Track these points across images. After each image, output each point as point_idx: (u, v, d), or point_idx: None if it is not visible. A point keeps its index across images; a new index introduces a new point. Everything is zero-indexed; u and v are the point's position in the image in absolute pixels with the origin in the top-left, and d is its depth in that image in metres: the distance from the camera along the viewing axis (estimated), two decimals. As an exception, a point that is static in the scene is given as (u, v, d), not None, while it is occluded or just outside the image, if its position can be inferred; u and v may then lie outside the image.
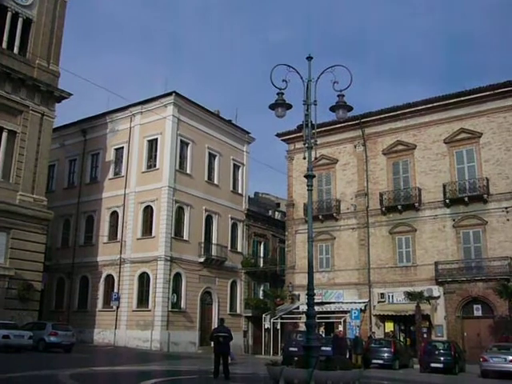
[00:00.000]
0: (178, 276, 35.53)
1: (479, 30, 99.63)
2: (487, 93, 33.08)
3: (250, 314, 40.43)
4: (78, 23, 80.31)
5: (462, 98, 33.85)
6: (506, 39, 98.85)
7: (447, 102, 34.36)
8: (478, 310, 31.58)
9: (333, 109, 14.08)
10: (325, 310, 34.15)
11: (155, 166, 36.87)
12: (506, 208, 31.53)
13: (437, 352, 25.23)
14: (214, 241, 38.66)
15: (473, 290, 31.39)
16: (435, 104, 34.79)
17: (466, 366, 26.14)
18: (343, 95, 13.81)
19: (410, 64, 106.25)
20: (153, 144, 37.39)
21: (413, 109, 35.56)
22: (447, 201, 33.19)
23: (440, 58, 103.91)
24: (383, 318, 34.11)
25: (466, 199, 32.50)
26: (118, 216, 37.54)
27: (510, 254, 30.77)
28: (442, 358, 24.78)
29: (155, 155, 37.10)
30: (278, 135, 40.87)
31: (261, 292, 42.66)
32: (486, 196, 32.03)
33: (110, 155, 39.17)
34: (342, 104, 13.89)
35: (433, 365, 24.67)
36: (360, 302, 34.44)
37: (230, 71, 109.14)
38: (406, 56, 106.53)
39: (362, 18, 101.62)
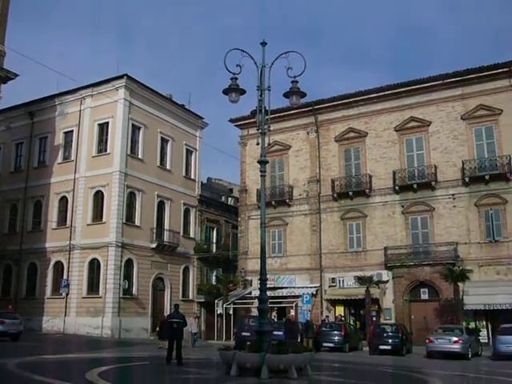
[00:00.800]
0: (129, 262, 35.16)
1: (432, 19, 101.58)
2: (437, 82, 33.85)
3: (203, 300, 40.48)
4: (25, 2, 77.59)
5: (413, 87, 34.52)
6: (456, 30, 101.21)
7: (398, 90, 34.98)
8: (424, 294, 32.55)
9: (286, 95, 14.13)
10: (277, 294, 34.46)
11: (106, 150, 36.20)
12: (453, 195, 32.47)
13: (385, 335, 25.88)
14: (167, 226, 38.40)
15: (420, 274, 32.28)
16: (387, 92, 35.36)
17: (413, 348, 26.94)
18: (297, 81, 13.87)
19: (364, 52, 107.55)
20: (104, 128, 36.66)
21: (365, 97, 36.05)
22: (397, 187, 33.91)
23: (393, 47, 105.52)
24: (334, 302, 34.73)
25: (415, 186, 33.29)
26: (67, 201, 36.76)
27: (456, 239, 31.76)
28: (390, 341, 25.44)
29: (106, 139, 36.42)
30: (232, 121, 40.74)
31: (213, 278, 42.74)
32: (433, 183, 32.88)
33: (59, 139, 38.22)
34: (296, 90, 13.95)
35: (381, 347, 25.31)
36: (311, 287, 34.94)
37: (184, 56, 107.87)
38: (360, 44, 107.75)
39: (316, 4, 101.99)
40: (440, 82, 33.78)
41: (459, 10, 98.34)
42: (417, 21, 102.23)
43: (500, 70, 32.28)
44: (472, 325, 29.27)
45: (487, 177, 31.45)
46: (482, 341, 27.68)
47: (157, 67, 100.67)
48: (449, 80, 33.52)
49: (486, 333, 29.99)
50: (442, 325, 27.23)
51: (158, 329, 27.10)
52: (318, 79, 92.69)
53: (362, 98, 36.17)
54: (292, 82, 13.90)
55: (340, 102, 36.86)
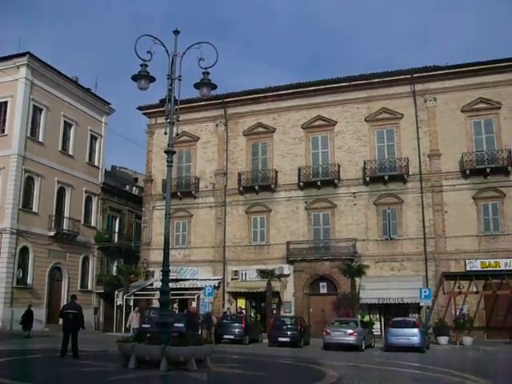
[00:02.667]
0: (24, 250, 33.52)
1: (345, 22, 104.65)
2: (343, 84, 35.00)
3: (102, 291, 39.36)
4: None
5: (321, 87, 35.48)
6: (368, 33, 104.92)
7: (307, 89, 35.81)
8: (323, 288, 33.62)
9: (197, 86, 14.01)
10: (179, 286, 34.21)
11: (3, 131, 34.24)
12: (354, 193, 33.73)
13: (284, 327, 26.42)
14: (67, 214, 36.95)
15: (320, 268, 33.27)
16: (295, 90, 36.08)
17: (311, 340, 27.69)
18: (208, 73, 13.79)
19: (279, 49, 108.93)
20: (1, 107, 34.62)
21: (274, 93, 36.57)
22: (301, 184, 34.70)
23: (305, 46, 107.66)
24: (236, 295, 35.03)
25: (319, 183, 34.24)
26: (-42, 184, 34.37)
27: (355, 236, 33.04)
28: (289, 333, 26.01)
29: (4, 119, 34.42)
30: (140, 108, 39.86)
31: (114, 268, 41.74)
32: (336, 181, 33.98)
33: (-49, 117, 35.64)
34: (207, 82, 13.87)
35: (280, 339, 25.81)
36: (214, 279, 35.02)
37: (94, 40, 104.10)
38: (275, 41, 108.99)
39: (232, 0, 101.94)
40: (346, 83, 34.94)
41: (371, 15, 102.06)
42: (331, 22, 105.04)
43: (403, 77, 33.93)
44: (367, 318, 30.61)
45: (386, 177, 32.94)
46: (375, 333, 29.03)
47: (66, 50, 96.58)
48: (355, 82, 34.74)
49: (379, 325, 31.48)
50: (339, 318, 28.22)
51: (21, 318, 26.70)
52: (231, 73, 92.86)
53: (271, 94, 36.67)
54: (203, 73, 13.81)
55: (250, 97, 37.14)
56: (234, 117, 37.69)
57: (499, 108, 32.15)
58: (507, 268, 30.02)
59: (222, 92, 35.25)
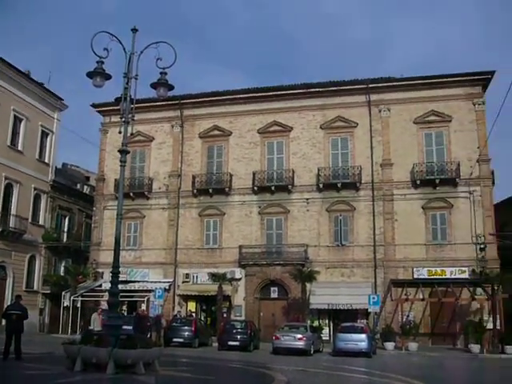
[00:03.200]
0: (-32, 248, 32.37)
1: (301, 30, 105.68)
2: (300, 91, 35.32)
3: (49, 291, 38.30)
4: None
5: (278, 93, 35.70)
6: (326, 42, 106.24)
7: (264, 94, 35.95)
8: (274, 292, 33.74)
9: (154, 86, 13.85)
10: (129, 288, 33.65)
11: (-51, 124, 33.01)
12: (307, 199, 34.04)
13: (234, 331, 26.39)
14: (14, 211, 35.85)
15: (271, 273, 33.39)
16: (253, 95, 36.17)
17: (261, 344, 27.74)
18: (165, 73, 13.65)
19: (238, 52, 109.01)
20: None
21: (231, 96, 36.57)
22: (255, 188, 34.79)
23: (264, 50, 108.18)
24: (186, 298, 34.77)
25: (273, 188, 34.40)
26: None
27: (307, 241, 33.32)
28: (238, 337, 25.99)
29: (-50, 112, 33.20)
30: (94, 106, 39.14)
31: (62, 268, 40.70)
32: (290, 187, 34.21)
33: None
34: (164, 82, 13.73)
35: (230, 343, 25.77)
36: (165, 282, 34.66)
37: (50, 33, 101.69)
38: (235, 44, 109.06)
39: (196, 3, 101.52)
40: (303, 90, 35.27)
41: (331, 24, 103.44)
42: (291, 29, 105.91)
43: (358, 86, 34.51)
44: (316, 323, 30.89)
45: (339, 184, 33.38)
46: (324, 338, 29.32)
47: (20, 41, 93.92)
48: (311, 90, 35.11)
49: (328, 330, 31.81)
50: (289, 322, 28.37)
51: None
52: (189, 75, 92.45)
53: (228, 97, 36.65)
54: (160, 73, 13.65)
55: (207, 99, 37.02)
56: (190, 118, 37.48)
57: (450, 121, 33.10)
58: (452, 276, 30.90)
59: (178, 93, 35.03)
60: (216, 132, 36.78)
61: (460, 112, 33.18)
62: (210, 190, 35.43)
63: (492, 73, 32.63)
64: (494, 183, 33.11)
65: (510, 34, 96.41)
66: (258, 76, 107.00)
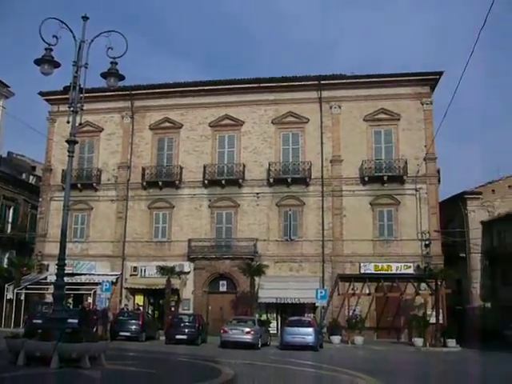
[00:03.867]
0: None
1: (258, 24, 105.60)
2: (253, 85, 35.34)
3: (-10, 284, 37.08)
4: None
5: (230, 86, 35.60)
6: (279, 39, 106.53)
7: (216, 87, 35.78)
8: (223, 286, 33.76)
9: (104, 75, 13.55)
10: (75, 281, 32.92)
11: None
12: (258, 194, 34.14)
13: (182, 324, 26.27)
14: (-46, 201, 34.52)
15: (220, 267, 33.38)
16: (205, 87, 35.95)
17: (209, 338, 27.68)
18: (116, 63, 13.37)
19: (193, 47, 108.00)
20: None
21: (183, 89, 36.24)
22: (206, 182, 34.64)
23: (218, 44, 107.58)
24: (134, 291, 34.34)
25: (223, 182, 34.34)
26: None
27: (256, 236, 33.45)
28: (186, 330, 25.89)
29: None
30: (42, 94, 38.01)
31: (6, 260, 39.47)
32: (241, 181, 34.24)
33: None
34: (114, 72, 13.44)
35: (178, 336, 25.62)
36: (112, 275, 34.10)
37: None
38: (191, 38, 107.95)
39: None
40: (255, 85, 35.30)
41: (287, 21, 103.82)
42: (245, 23, 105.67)
43: (310, 82, 34.82)
44: (264, 317, 31.09)
45: (289, 179, 33.63)
46: (272, 332, 29.55)
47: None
48: (264, 84, 35.18)
49: (276, 324, 32.06)
50: (237, 316, 28.44)
51: None
52: (141, 66, 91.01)
53: (180, 89, 36.32)
54: (111, 62, 13.36)
55: (158, 91, 36.56)
56: (140, 110, 36.92)
57: (399, 120, 33.83)
58: (398, 272, 31.66)
59: (130, 83, 34.46)
60: (167, 124, 36.39)
61: (409, 111, 33.95)
62: (160, 183, 35.05)
63: (440, 73, 33.53)
64: (439, 181, 34.07)
65: (459, 35, 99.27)
66: (211, 70, 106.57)
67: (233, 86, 35.57)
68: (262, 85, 35.26)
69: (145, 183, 35.39)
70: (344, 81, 34.74)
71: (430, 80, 34.15)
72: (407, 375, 16.25)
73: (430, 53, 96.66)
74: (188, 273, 33.67)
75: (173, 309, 32.55)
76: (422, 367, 19.76)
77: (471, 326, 40.08)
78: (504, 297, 40.78)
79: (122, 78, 13.72)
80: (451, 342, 28.07)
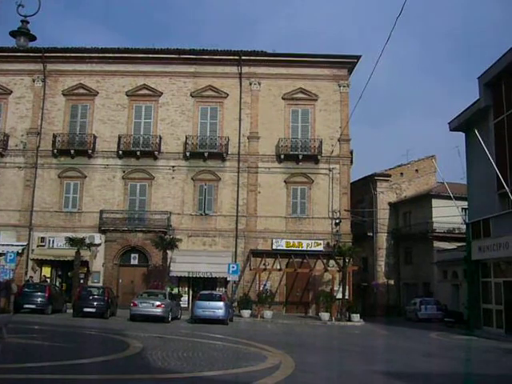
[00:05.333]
0: None
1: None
2: (173, 56, 34.64)
3: None
4: None
5: (149, 55, 34.70)
6: (201, 9, 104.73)
7: (134, 55, 34.76)
8: (134, 259, 33.29)
9: (14, 34, 12.76)
10: (-24, 251, 31.37)
11: None
12: (173, 167, 33.75)
13: (91, 297, 25.68)
14: None
15: (133, 239, 32.86)
16: (123, 55, 34.80)
17: (119, 311, 27.27)
18: (27, 22, 12.62)
19: (113, 12, 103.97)
20: None
21: (100, 54, 34.88)
22: (120, 152, 33.77)
23: (140, 11, 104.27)
24: (41, 263, 33.11)
25: (139, 153, 33.64)
26: None
27: (170, 209, 33.16)
28: (95, 303, 25.34)
29: None
30: None
31: None
32: (157, 153, 33.67)
33: None
34: (25, 31, 12.69)
35: (86, 309, 25.05)
36: (18, 245, 32.63)
37: None
38: (109, 2, 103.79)
39: None
40: (176, 55, 34.65)
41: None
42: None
43: (230, 57, 34.61)
44: (175, 290, 31.03)
45: (206, 154, 33.48)
46: (183, 305, 29.56)
47: None
48: (184, 56, 34.60)
49: (187, 298, 32.10)
50: (148, 289, 28.23)
51: None
52: (58, 29, 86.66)
53: (96, 55, 34.91)
54: (22, 21, 12.59)
55: (73, 55, 34.97)
56: (53, 74, 35.21)
57: (316, 100, 34.43)
58: (308, 248, 32.53)
59: (43, 45, 32.81)
60: (81, 91, 34.98)
61: (326, 92, 34.61)
62: (72, 151, 33.77)
63: (358, 57, 34.39)
64: (352, 162, 35.10)
65: (376, 20, 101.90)
66: (132, 37, 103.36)
67: (152, 56, 34.68)
68: (182, 56, 34.64)
69: (56, 151, 33.96)
70: (265, 58, 34.80)
71: (347, 63, 34.91)
72: (312, 347, 16.83)
73: (353, 36, 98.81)
74: (99, 245, 32.88)
75: (82, 281, 31.76)
76: (327, 340, 20.53)
77: (375, 301, 42.28)
78: (406, 275, 43.17)
79: (33, 38, 12.96)
80: (355, 317, 29.27)
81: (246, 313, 29.58)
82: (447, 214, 34.68)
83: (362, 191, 43.48)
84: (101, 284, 31.19)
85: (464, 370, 13.83)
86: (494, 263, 24.24)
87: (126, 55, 34.80)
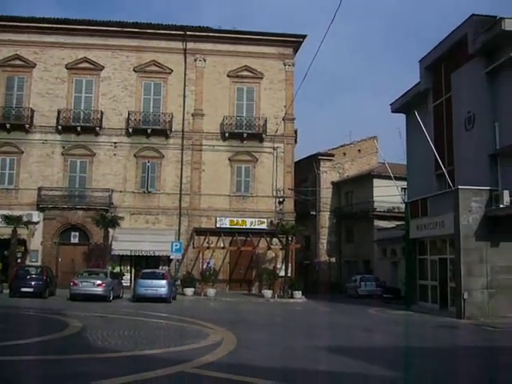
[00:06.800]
0: None
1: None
2: (115, 28, 33.63)
3: None
4: None
5: (90, 27, 33.56)
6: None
7: (75, 26, 33.49)
8: (75, 237, 32.54)
9: None
10: None
11: None
12: (115, 143, 33.00)
13: (28, 277, 24.96)
14: None
15: (73, 217, 32.05)
16: (62, 26, 33.44)
17: (59, 291, 26.62)
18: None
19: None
20: None
21: (38, 24, 33.36)
22: (60, 127, 32.70)
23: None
24: (-25, 241, 31.87)
25: (79, 129, 32.67)
26: None
27: (112, 186, 32.48)
28: (33, 283, 24.65)
29: None
30: None
31: None
32: (98, 129, 32.79)
33: None
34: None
35: (23, 289, 24.32)
36: (-51, 223, 31.31)
37: None
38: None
39: None
40: (118, 28, 33.65)
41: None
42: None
43: (175, 32, 33.94)
44: (117, 269, 30.53)
45: (149, 130, 32.89)
46: (125, 284, 29.14)
47: None
48: (127, 29, 33.63)
49: (129, 277, 31.67)
50: (88, 268, 27.69)
51: None
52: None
53: (34, 24, 33.36)
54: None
55: (8, 24, 33.23)
56: (-13, 43, 33.52)
57: (261, 78, 34.31)
58: (252, 227, 32.68)
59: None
60: (18, 62, 33.46)
61: (271, 70, 34.53)
62: (8, 126, 32.37)
63: (303, 37, 34.41)
64: (296, 142, 35.32)
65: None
66: (71, 9, 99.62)
67: (94, 28, 33.52)
68: (125, 29, 33.63)
69: (-9, 125, 32.51)
70: (210, 34, 34.29)
71: (293, 42, 34.88)
72: (254, 324, 16.94)
73: (301, 15, 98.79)
74: (37, 223, 31.88)
75: (19, 260, 30.77)
76: (269, 317, 20.72)
77: (318, 279, 43.06)
78: (347, 252, 44.13)
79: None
80: (298, 294, 29.71)
81: (190, 291, 29.52)
82: (387, 194, 35.53)
83: (306, 170, 43.91)
84: (39, 263, 30.36)
85: (401, 343, 14.24)
86: (430, 241, 25.01)
87: (65, 26, 33.45)
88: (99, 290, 23.46)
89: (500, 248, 20.71)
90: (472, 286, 20.57)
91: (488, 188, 21.16)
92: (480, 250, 20.68)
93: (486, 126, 22.02)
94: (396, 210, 38.58)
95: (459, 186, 21.44)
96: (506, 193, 20.29)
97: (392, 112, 30.79)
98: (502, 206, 20.22)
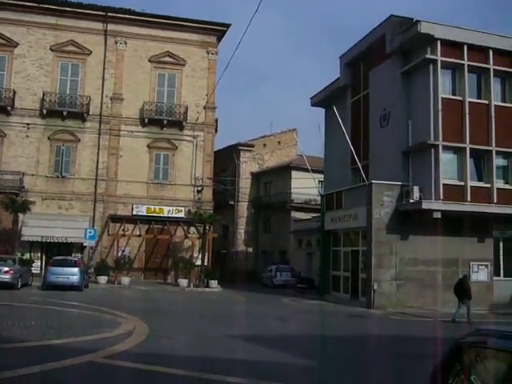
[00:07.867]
0: None
1: None
2: (31, 4, 31.97)
3: None
4: None
5: (4, 1, 31.72)
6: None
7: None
8: (-19, 222, 30.90)
9: None
10: None
11: None
12: (28, 124, 31.56)
13: None
14: None
15: (-20, 200, 30.43)
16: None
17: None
18: None
19: None
20: None
21: None
22: (-32, 105, 30.92)
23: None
24: None
25: (-12, 108, 31.01)
26: None
27: (23, 169, 31.04)
28: None
29: None
30: None
31: None
32: (9, 108, 31.20)
33: None
34: None
35: None
36: None
37: None
38: None
39: None
40: (35, 4, 32.07)
41: None
42: None
43: (96, 12, 32.82)
44: (27, 256, 29.31)
45: (65, 113, 31.69)
46: (35, 271, 27.98)
47: None
48: (44, 5, 32.15)
49: (40, 264, 30.48)
50: (-5, 255, 26.43)
51: None
52: None
53: None
54: None
55: None
56: None
57: (184, 65, 33.89)
58: (170, 215, 32.35)
59: None
60: None
61: (194, 58, 34.19)
62: None
63: (228, 26, 34.26)
64: (216, 131, 35.23)
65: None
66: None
67: (7, 1, 31.75)
68: (41, 5, 32.09)
69: None
70: (132, 17, 33.42)
71: (217, 31, 34.67)
72: (168, 313, 16.82)
73: (228, 4, 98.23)
74: None
75: None
76: (183, 306, 20.67)
77: (234, 268, 43.36)
78: (264, 243, 44.73)
79: None
80: (213, 283, 29.78)
81: (103, 279, 28.87)
82: (305, 186, 36.26)
83: (226, 160, 43.97)
84: None
85: (314, 332, 14.62)
86: (344, 233, 25.81)
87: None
88: (6, 278, 22.39)
89: (409, 241, 21.71)
90: (382, 277, 21.45)
91: (399, 183, 22.09)
92: (390, 242, 21.58)
93: (400, 124, 22.93)
94: (313, 202, 39.45)
95: (372, 181, 22.22)
96: (415, 188, 21.27)
97: (312, 106, 31.39)
98: (411, 201, 21.19)
